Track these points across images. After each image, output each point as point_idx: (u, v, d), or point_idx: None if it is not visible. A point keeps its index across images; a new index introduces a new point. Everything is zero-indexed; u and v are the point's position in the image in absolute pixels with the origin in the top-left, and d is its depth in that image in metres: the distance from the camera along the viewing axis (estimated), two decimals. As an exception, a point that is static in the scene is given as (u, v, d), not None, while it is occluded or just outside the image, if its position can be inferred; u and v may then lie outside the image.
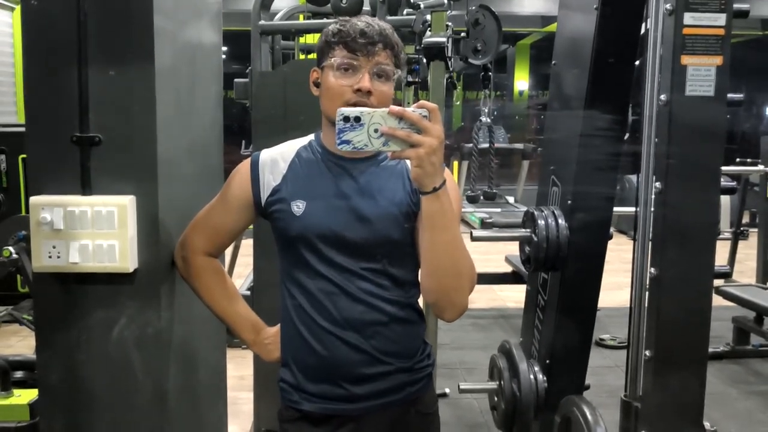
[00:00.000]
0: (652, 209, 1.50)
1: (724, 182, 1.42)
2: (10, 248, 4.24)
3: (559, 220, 1.97)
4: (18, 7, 8.60)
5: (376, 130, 1.20)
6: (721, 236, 9.96)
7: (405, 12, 3.98)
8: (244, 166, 1.61)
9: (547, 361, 2.17)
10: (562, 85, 2.06)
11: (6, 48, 8.47)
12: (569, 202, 1.98)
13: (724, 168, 5.23)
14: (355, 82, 1.43)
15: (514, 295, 6.61)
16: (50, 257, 1.70)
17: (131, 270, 1.70)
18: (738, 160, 6.89)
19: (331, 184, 1.52)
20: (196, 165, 2.08)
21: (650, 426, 1.49)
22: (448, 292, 1.40)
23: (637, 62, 1.83)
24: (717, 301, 6.13)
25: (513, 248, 6.72)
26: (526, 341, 2.35)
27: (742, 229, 7.47)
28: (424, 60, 3.85)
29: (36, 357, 1.81)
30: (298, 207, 1.52)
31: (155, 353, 1.75)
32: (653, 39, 1.48)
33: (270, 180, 1.56)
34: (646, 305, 1.52)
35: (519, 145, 10.32)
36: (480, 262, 7.55)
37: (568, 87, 2.00)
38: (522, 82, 15.58)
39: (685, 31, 1.38)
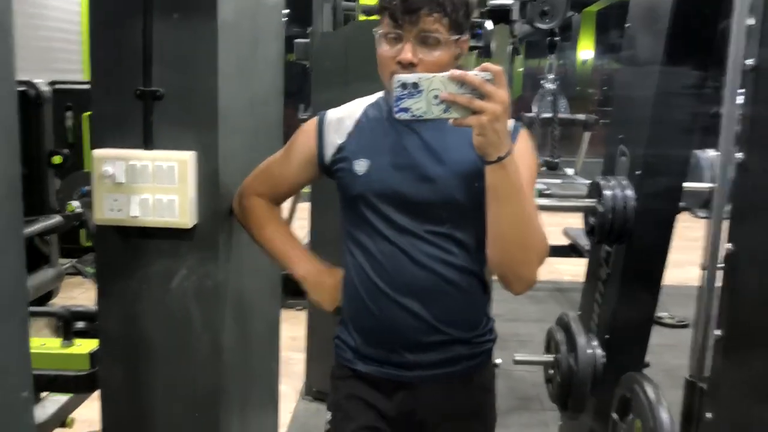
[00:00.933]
0: (730, 182, 1.42)
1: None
2: (74, 203, 4.36)
3: (627, 191, 1.89)
4: (86, -34, 8.78)
5: (435, 97, 1.15)
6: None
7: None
8: (311, 123, 1.58)
9: (607, 336, 2.11)
10: (636, 49, 1.96)
11: (72, 6, 8.63)
12: (638, 172, 1.90)
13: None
14: (398, 53, 1.36)
15: (571, 269, 6.49)
16: (111, 210, 1.72)
17: (190, 225, 1.71)
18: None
19: (396, 143, 1.47)
20: (256, 122, 2.07)
21: (717, 408, 1.42)
22: (514, 265, 1.35)
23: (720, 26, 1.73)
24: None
25: (571, 221, 6.60)
26: (585, 315, 2.29)
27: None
28: (488, 25, 3.75)
29: (97, 307, 1.85)
30: (361, 166, 1.48)
31: (213, 308, 1.76)
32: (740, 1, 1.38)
33: (335, 138, 1.53)
34: (720, 283, 1.44)
35: (581, 116, 10.05)
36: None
37: (643, 52, 1.90)
38: (586, 51, 15.14)
39: (778, -10, 1.28)
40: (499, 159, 1.21)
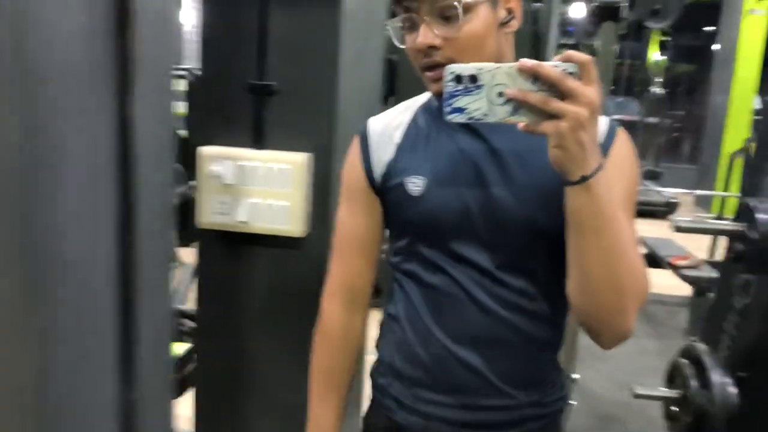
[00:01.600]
0: None
1: None
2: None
3: (785, 214, 1.67)
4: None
5: (500, 94, 0.86)
6: None
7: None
8: (354, 143, 1.24)
9: (742, 374, 1.89)
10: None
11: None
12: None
13: None
14: (414, 42, 1.06)
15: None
16: (217, 213, 1.58)
17: (302, 234, 1.55)
18: None
19: (458, 153, 1.13)
20: (364, 119, 1.92)
21: None
22: (605, 313, 1.01)
23: None
24: None
25: (648, 229, 6.31)
26: (710, 346, 2.07)
27: None
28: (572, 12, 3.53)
29: (196, 313, 1.72)
30: (415, 185, 1.14)
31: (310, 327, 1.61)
32: None
33: (382, 154, 1.19)
34: None
35: (653, 120, 9.68)
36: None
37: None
38: (656, 53, 14.65)
39: None
40: (584, 179, 0.90)
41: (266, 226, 1.56)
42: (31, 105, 0.85)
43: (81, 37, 0.89)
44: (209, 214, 1.58)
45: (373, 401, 1.27)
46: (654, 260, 5.82)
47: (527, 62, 0.85)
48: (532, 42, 3.35)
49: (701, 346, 1.97)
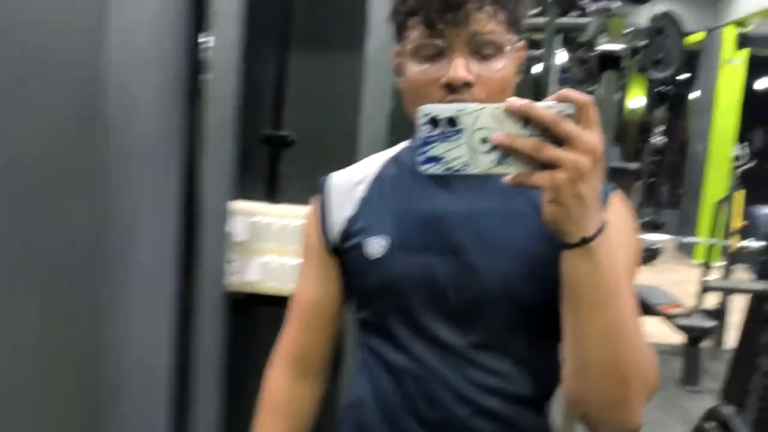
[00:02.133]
0: None
1: None
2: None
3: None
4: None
5: (484, 140, 0.72)
6: None
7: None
8: (313, 201, 1.08)
9: (772, 438, 1.81)
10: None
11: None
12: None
13: None
14: (443, 72, 0.88)
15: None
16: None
17: (320, 296, 1.45)
18: None
19: (427, 211, 0.99)
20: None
21: None
22: (604, 403, 0.86)
23: None
24: None
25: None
26: (734, 404, 1.98)
27: None
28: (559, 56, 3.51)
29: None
30: (376, 247, 0.99)
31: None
32: None
33: (342, 209, 1.04)
34: None
35: (633, 165, 9.78)
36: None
37: None
38: (636, 99, 14.91)
39: None
40: (585, 241, 0.76)
41: (279, 287, 1.45)
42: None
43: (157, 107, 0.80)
44: (218, 273, 1.47)
45: None
46: (644, 308, 5.79)
47: (516, 102, 0.70)
48: (533, 91, 3.32)
49: (728, 409, 1.88)
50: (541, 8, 3.39)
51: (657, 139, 3.31)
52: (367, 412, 1.03)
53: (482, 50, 0.88)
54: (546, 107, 0.70)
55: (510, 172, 0.73)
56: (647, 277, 6.10)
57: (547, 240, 0.84)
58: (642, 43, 3.12)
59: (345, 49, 1.44)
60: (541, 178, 0.72)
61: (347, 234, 1.01)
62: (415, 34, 0.88)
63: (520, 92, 0.99)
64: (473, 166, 0.72)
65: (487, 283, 0.94)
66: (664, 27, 3.05)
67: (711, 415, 1.93)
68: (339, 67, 1.44)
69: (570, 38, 3.78)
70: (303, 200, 1.43)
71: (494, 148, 0.71)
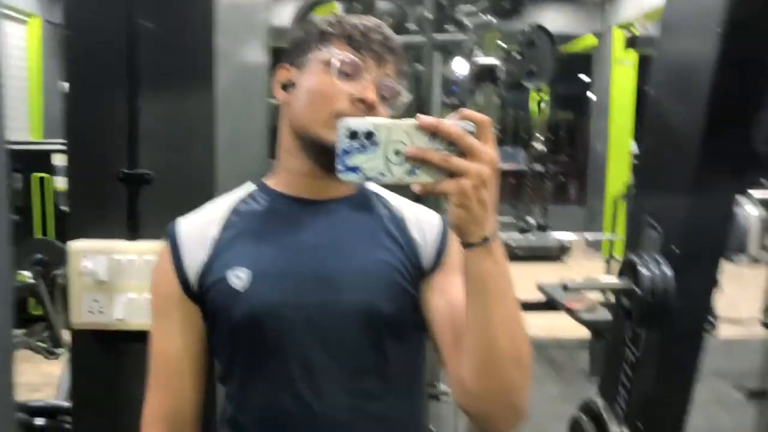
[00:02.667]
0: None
1: None
2: (26, 273, 4.06)
3: (665, 270, 1.73)
4: (31, 20, 8.53)
5: (397, 152, 0.81)
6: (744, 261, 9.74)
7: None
8: (162, 250, 1.10)
9: (639, 425, 1.92)
10: (665, 117, 1.83)
11: (18, 62, 8.31)
12: (678, 251, 1.74)
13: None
14: (357, 89, 0.99)
15: (545, 323, 6.37)
16: (91, 312, 1.48)
17: (186, 328, 1.47)
18: None
19: (285, 240, 1.04)
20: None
21: None
22: (508, 391, 0.92)
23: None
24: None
25: (543, 273, 6.49)
26: (608, 399, 2.10)
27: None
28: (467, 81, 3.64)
29: (72, 416, 1.59)
30: (239, 278, 1.01)
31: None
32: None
33: (197, 253, 1.06)
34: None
35: (539, 167, 10.10)
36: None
37: (676, 120, 1.77)
38: (538, 103, 15.39)
39: None
40: (486, 240, 0.85)
41: (146, 322, 1.46)
42: None
43: None
44: (82, 314, 1.47)
45: None
46: (551, 304, 6.00)
47: (426, 119, 0.80)
48: (416, 105, 3.42)
49: (599, 402, 2.00)
50: (419, 26, 3.50)
51: (538, 145, 3.45)
52: None
53: (385, 92, 1.01)
54: (452, 124, 0.80)
55: (421, 181, 0.81)
56: (557, 273, 6.32)
57: (400, 261, 1.00)
58: (516, 55, 3.27)
59: (194, 86, 1.47)
60: (448, 185, 0.80)
61: (206, 274, 1.03)
62: (342, 50, 1.00)
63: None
64: (388, 176, 0.81)
65: (348, 300, 1.00)
66: (535, 39, 3.20)
67: (584, 408, 2.04)
68: (189, 104, 1.48)
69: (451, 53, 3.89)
70: (162, 236, 1.46)
71: (406, 160, 0.80)
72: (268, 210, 1.07)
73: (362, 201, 1.09)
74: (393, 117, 0.99)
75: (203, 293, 1.04)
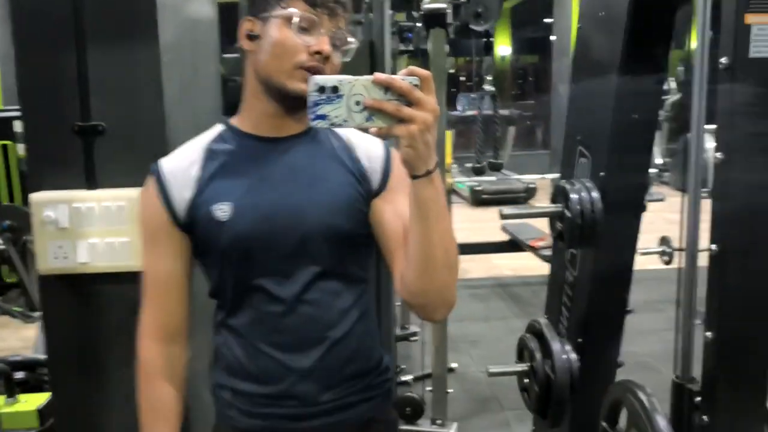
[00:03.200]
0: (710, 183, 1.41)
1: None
2: (-4, 238, 4.11)
3: (593, 193, 1.86)
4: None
5: (357, 103, 0.99)
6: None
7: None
8: (147, 186, 1.28)
9: (579, 340, 2.08)
10: (590, 48, 1.95)
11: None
12: (602, 174, 1.88)
13: None
14: (314, 42, 1.18)
15: (511, 263, 6.55)
16: (56, 258, 1.57)
17: (146, 268, 1.58)
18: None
19: (259, 175, 1.25)
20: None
21: (714, 412, 1.40)
22: (442, 289, 1.17)
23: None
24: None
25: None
26: (552, 319, 2.26)
27: None
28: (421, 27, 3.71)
29: (47, 364, 1.70)
30: (223, 211, 1.22)
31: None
32: None
33: (182, 190, 1.25)
34: (707, 285, 1.43)
35: (504, 112, 10.21)
36: (475, 231, 7.37)
37: (599, 50, 1.88)
38: (503, 47, 15.40)
39: (749, -14, 1.27)
40: (428, 172, 1.05)
41: (109, 264, 1.57)
42: None
43: None
44: (48, 260, 1.57)
45: (218, 415, 1.35)
46: (516, 244, 6.18)
47: (381, 76, 0.97)
48: (369, 51, 3.48)
49: (542, 320, 2.15)
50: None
51: (488, 87, 3.54)
52: (226, 346, 1.29)
53: (337, 41, 1.20)
54: (401, 79, 0.98)
55: (377, 126, 1.00)
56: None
57: (351, 184, 1.23)
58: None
59: (139, 40, 1.55)
60: (399, 130, 0.99)
61: (193, 208, 1.23)
62: (300, 8, 1.17)
63: (359, 54, 1.24)
64: (350, 122, 0.99)
65: (314, 222, 1.22)
66: (481, -18, 3.27)
67: (529, 327, 2.20)
68: (135, 57, 1.56)
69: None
70: (120, 184, 1.56)
71: (365, 109, 0.98)
72: (238, 150, 1.26)
73: (315, 135, 1.28)
74: (344, 62, 1.22)
75: (192, 225, 1.24)
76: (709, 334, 1.42)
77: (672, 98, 10.65)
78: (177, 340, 1.32)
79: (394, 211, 1.24)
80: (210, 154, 1.27)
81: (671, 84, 10.74)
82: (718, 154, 1.34)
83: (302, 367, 1.25)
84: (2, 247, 4.19)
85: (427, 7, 3.29)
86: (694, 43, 1.46)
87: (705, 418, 1.45)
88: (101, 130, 1.57)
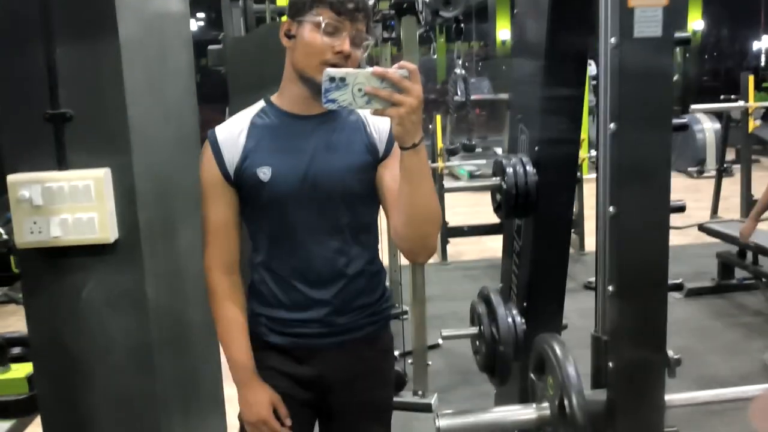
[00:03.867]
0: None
1: (675, 120, 1.47)
2: (0, 230, 4.29)
3: (527, 167, 2.02)
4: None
5: (360, 90, 1.28)
6: (706, 173, 10.08)
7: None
8: (206, 149, 1.68)
9: (525, 304, 2.24)
10: (524, 32, 2.10)
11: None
12: (536, 148, 2.03)
13: (707, 106, 5.26)
14: (338, 43, 1.51)
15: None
16: (32, 233, 1.75)
17: (112, 240, 1.75)
18: (722, 97, 6.95)
19: (293, 146, 1.60)
20: (171, 133, 2.12)
21: (617, 357, 1.56)
22: (424, 237, 1.52)
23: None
24: (702, 238, 6.21)
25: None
26: (505, 286, 2.42)
27: (725, 166, 7.55)
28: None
29: (27, 330, 1.88)
30: (264, 174, 1.59)
31: (142, 317, 1.82)
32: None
33: (233, 155, 1.63)
34: (608, 242, 1.58)
35: (503, 96, 10.31)
36: (470, 215, 7.53)
37: (530, 34, 2.03)
38: (504, 30, 15.44)
39: (631, -27, 1.42)
40: (414, 145, 1.35)
41: (78, 238, 1.74)
42: None
43: None
44: (25, 235, 1.75)
45: (252, 334, 1.74)
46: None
47: (378, 69, 1.28)
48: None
49: (491, 287, 2.31)
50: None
51: (458, 71, 3.67)
52: (261, 279, 1.70)
53: (356, 40, 1.54)
54: (393, 71, 1.28)
55: (375, 108, 1.30)
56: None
57: (365, 155, 1.62)
58: (432, -13, 3.48)
59: (100, 34, 1.72)
60: (392, 111, 1.30)
61: (240, 169, 1.62)
62: (327, 15, 1.51)
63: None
64: (354, 105, 1.30)
65: (334, 183, 1.59)
66: (449, -29, 3.40)
67: (479, 294, 2.36)
68: (97, 50, 1.72)
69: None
70: (87, 165, 1.73)
71: (366, 94, 1.28)
72: (277, 124, 1.64)
73: (338, 114, 1.64)
74: (363, 56, 1.59)
75: (239, 182, 1.63)
76: (611, 287, 1.57)
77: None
78: (235, 270, 1.72)
79: (391, 175, 1.57)
80: (253, 126, 1.64)
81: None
82: (611, 125, 1.49)
83: (323, 299, 1.64)
84: (6, 237, 4.37)
85: (397, -3, 3.44)
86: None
87: (611, 364, 1.61)
88: (69, 117, 1.74)
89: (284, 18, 1.60)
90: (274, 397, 1.71)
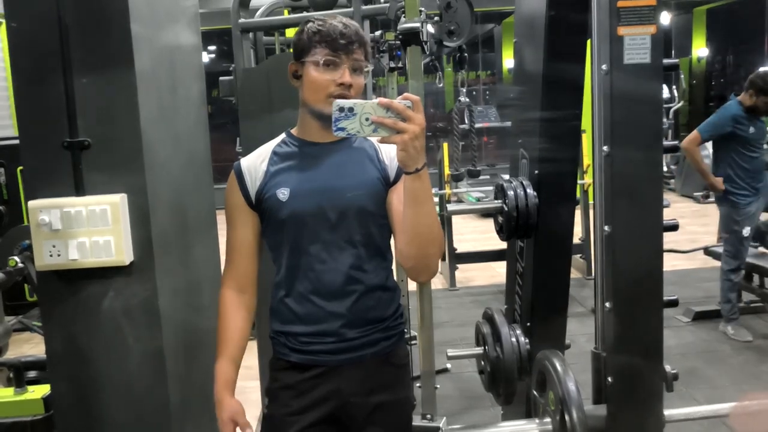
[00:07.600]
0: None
1: (666, 142, 1.53)
2: (16, 258, 4.37)
3: (528, 189, 2.08)
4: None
5: (367, 119, 1.37)
6: (712, 198, 10.08)
7: (381, 0, 4.07)
8: (231, 178, 1.77)
9: (528, 324, 2.28)
10: (523, 60, 2.17)
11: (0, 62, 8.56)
12: (536, 171, 2.09)
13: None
14: (338, 76, 1.62)
15: (512, 271, 6.70)
16: (51, 256, 1.82)
17: (127, 263, 1.83)
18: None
19: (310, 169, 1.70)
20: (183, 160, 2.20)
21: (615, 372, 1.61)
22: (426, 257, 1.59)
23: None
24: (709, 262, 6.21)
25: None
26: (510, 307, 2.47)
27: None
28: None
29: (45, 351, 1.94)
30: (284, 194, 1.68)
31: (156, 336, 1.88)
32: (594, 13, 1.59)
33: (255, 180, 1.72)
34: (602, 261, 1.64)
35: (509, 123, 10.39)
36: (480, 241, 7.53)
37: (528, 62, 2.11)
38: (510, 60, 15.60)
39: (620, 3, 1.49)
40: (417, 170, 1.44)
41: (95, 260, 1.82)
42: None
43: None
44: (44, 257, 1.83)
45: (275, 351, 1.81)
46: (514, 251, 6.34)
47: (384, 100, 1.38)
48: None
49: (495, 308, 2.36)
50: (347, -1, 3.78)
51: (463, 99, 3.73)
52: (279, 297, 1.74)
53: (355, 68, 1.63)
54: (398, 102, 1.37)
55: (381, 135, 1.39)
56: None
57: (379, 177, 1.69)
58: (436, 18, 3.56)
59: (116, 67, 1.80)
60: (396, 138, 1.39)
61: (262, 192, 1.71)
62: (323, 53, 1.62)
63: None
64: (361, 133, 1.39)
65: (348, 203, 1.66)
66: (452, 1, 3.49)
67: (484, 314, 2.41)
68: (114, 83, 1.81)
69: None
70: (103, 191, 1.81)
71: (372, 123, 1.38)
72: (296, 150, 1.74)
73: (351, 141, 1.74)
74: (364, 83, 1.66)
75: (261, 204, 1.72)
76: (608, 304, 1.63)
77: (675, 106, 10.78)
78: (247, 291, 1.78)
79: (398, 198, 1.64)
80: (275, 154, 1.75)
81: (674, 92, 10.89)
82: (605, 148, 1.55)
83: (337, 311, 1.69)
84: (22, 265, 4.44)
85: (402, 27, 3.52)
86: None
87: (610, 379, 1.66)
88: (87, 145, 1.82)
89: (291, 63, 1.71)
90: (238, 413, 1.73)
